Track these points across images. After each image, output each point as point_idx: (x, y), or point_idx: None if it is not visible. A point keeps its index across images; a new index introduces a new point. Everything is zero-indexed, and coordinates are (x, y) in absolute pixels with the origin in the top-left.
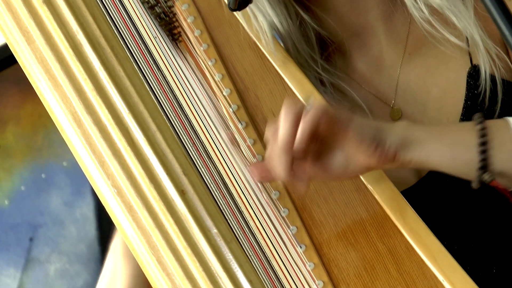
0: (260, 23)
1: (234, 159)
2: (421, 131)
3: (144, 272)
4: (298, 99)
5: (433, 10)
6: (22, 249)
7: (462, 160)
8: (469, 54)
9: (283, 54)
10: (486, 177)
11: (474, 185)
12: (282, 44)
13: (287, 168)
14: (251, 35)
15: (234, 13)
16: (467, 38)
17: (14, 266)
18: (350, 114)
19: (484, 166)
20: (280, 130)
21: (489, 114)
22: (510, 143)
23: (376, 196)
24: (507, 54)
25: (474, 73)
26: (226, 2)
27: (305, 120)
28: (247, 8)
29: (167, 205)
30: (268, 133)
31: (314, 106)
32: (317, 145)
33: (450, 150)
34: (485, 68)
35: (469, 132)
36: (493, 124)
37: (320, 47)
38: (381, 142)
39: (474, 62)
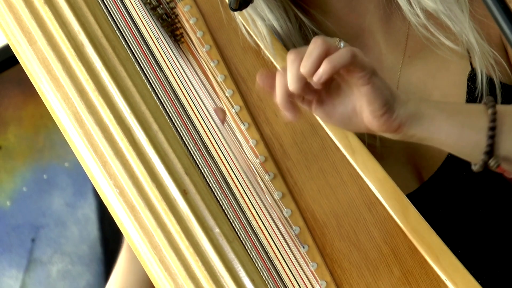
0: (258, 28)
1: (237, 159)
2: (432, 107)
3: (146, 272)
4: None
5: (429, 14)
6: (24, 250)
7: (468, 141)
8: (469, 57)
9: (284, 56)
10: (492, 162)
11: (476, 168)
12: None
13: (299, 86)
14: (253, 37)
15: (237, 21)
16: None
17: (16, 267)
18: (375, 69)
19: (491, 151)
20: (308, 56)
21: None
22: None
23: (379, 196)
24: (506, 57)
25: (474, 76)
26: (227, 2)
27: (336, 55)
28: (246, 14)
29: (169, 204)
30: (291, 55)
31: (347, 47)
32: (333, 84)
33: (458, 129)
34: (481, 71)
35: (480, 114)
36: (504, 110)
37: None
38: (390, 109)
39: (474, 65)
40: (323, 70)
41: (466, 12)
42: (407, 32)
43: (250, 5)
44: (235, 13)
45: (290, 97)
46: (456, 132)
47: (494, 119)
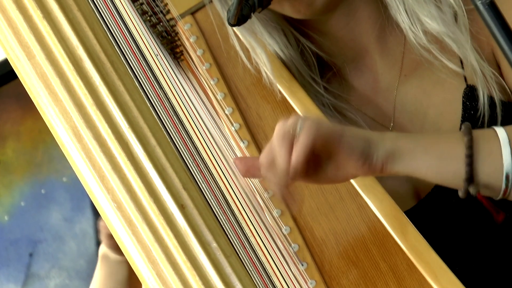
0: (258, 55)
1: (235, 175)
2: (409, 142)
3: (143, 285)
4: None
5: (431, 37)
6: (22, 264)
7: (448, 171)
8: (464, 75)
9: (285, 76)
10: (471, 189)
11: (461, 194)
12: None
13: (285, 188)
14: (254, 64)
15: (237, 48)
16: (460, 61)
17: (14, 281)
18: (341, 127)
19: (470, 178)
20: (278, 159)
21: None
22: (497, 156)
23: (377, 214)
24: (499, 72)
25: (469, 93)
26: (226, 18)
27: (299, 146)
28: (245, 41)
29: (167, 219)
30: (263, 158)
31: (305, 126)
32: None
33: (437, 161)
34: (483, 92)
35: (456, 143)
36: (481, 135)
37: (319, 71)
38: (368, 157)
39: (469, 83)
40: (295, 162)
41: (466, 32)
42: (403, 50)
43: (249, 31)
44: (235, 41)
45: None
46: (435, 164)
47: (470, 146)
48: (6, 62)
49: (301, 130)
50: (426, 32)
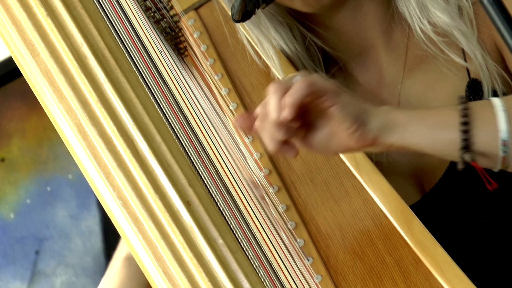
0: (266, 49)
1: (240, 172)
2: (402, 114)
3: (150, 284)
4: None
5: (437, 32)
6: (28, 262)
7: (443, 140)
8: (467, 67)
9: (290, 71)
10: (466, 157)
11: (458, 166)
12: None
13: (277, 143)
14: (262, 58)
15: (244, 43)
16: (463, 52)
17: (20, 279)
18: (338, 89)
19: (466, 146)
20: (269, 105)
21: None
22: (493, 123)
23: (383, 208)
24: (502, 63)
25: (473, 87)
26: (230, 14)
27: (292, 90)
28: (252, 35)
29: (173, 216)
30: (258, 109)
31: (302, 78)
32: (303, 119)
33: (431, 131)
34: (487, 86)
35: (451, 112)
36: (476, 104)
37: (324, 66)
38: (362, 124)
39: (472, 76)
40: (285, 111)
41: (474, 27)
42: (407, 45)
43: (255, 26)
44: (243, 36)
45: (280, 142)
46: (431, 134)
47: (466, 114)
48: (10, 60)
49: (297, 80)
50: (432, 25)
